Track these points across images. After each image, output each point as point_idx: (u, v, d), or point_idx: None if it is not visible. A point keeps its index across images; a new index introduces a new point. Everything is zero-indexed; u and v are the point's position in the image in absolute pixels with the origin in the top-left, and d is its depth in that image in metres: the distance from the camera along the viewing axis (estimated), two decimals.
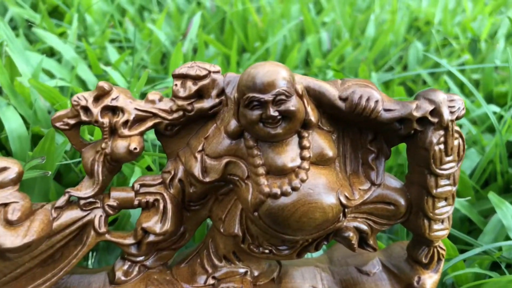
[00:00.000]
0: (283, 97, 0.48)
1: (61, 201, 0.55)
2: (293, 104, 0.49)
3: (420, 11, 1.88)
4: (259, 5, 1.72)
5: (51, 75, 1.08)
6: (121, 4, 1.63)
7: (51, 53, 1.27)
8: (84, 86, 1.09)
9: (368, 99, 0.50)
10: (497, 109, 1.08)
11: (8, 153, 0.79)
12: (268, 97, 0.48)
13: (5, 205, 0.50)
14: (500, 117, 1.06)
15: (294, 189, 0.50)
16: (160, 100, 0.55)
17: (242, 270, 0.59)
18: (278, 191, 0.50)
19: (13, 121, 0.80)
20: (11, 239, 0.49)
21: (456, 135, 0.52)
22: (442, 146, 0.52)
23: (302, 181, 0.50)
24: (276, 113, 0.48)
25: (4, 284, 0.54)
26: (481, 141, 0.97)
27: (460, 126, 1.05)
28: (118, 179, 0.82)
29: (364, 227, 0.56)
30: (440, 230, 0.56)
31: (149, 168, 0.82)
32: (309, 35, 1.47)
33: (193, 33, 1.31)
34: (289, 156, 0.51)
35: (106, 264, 0.71)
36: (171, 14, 1.65)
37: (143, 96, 1.06)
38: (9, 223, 0.50)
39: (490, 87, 1.23)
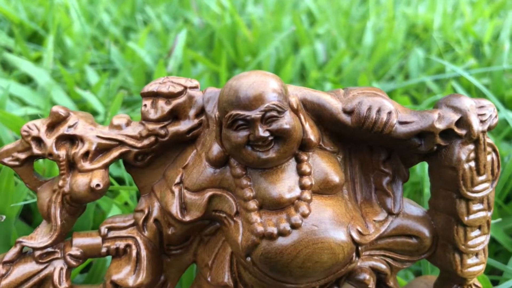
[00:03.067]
0: (274, 113, 0.40)
1: (11, 253, 0.46)
2: (287, 121, 0.41)
3: (417, 18, 1.82)
4: (249, 19, 1.65)
5: (24, 103, 0.99)
6: (103, 25, 1.56)
7: (28, 79, 1.19)
8: None
9: (379, 111, 0.42)
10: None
11: None
12: (255, 114, 0.40)
13: None
14: None
15: (294, 226, 0.42)
16: (128, 124, 0.47)
17: None
18: (275, 230, 0.42)
19: None
20: None
21: (489, 149, 0.44)
22: (472, 164, 0.44)
23: (304, 216, 0.42)
24: (267, 134, 0.40)
25: None
26: (500, 152, 0.88)
27: None
28: (96, 215, 0.73)
29: (382, 266, 0.48)
30: (475, 265, 0.48)
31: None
32: (303, 46, 1.39)
33: (179, 50, 1.22)
34: (286, 185, 0.43)
35: None
36: (156, 32, 1.58)
37: None
38: None
39: (500, 92, 1.15)
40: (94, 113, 1.01)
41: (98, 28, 1.56)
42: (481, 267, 0.48)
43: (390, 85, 1.27)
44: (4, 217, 0.53)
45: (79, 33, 1.45)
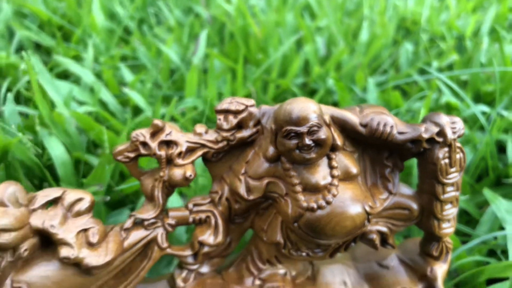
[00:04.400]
0: (315, 128, 0.56)
1: (128, 223, 0.64)
2: (323, 133, 0.57)
3: (407, 11, 1.95)
4: (254, 14, 1.78)
5: (74, 99, 1.15)
6: (123, 20, 1.67)
7: (64, 75, 1.34)
8: (106, 108, 1.17)
9: (384, 125, 0.60)
10: (485, 108, 1.19)
11: (55, 178, 0.88)
12: (303, 129, 0.56)
13: (85, 230, 0.60)
14: (488, 116, 1.16)
15: (328, 203, 0.58)
16: (206, 132, 0.64)
17: (282, 271, 0.70)
18: (315, 205, 0.58)
19: (56, 149, 0.88)
20: (95, 258, 0.59)
21: (458, 150, 0.61)
22: (447, 160, 0.60)
23: (334, 195, 0.58)
24: (311, 142, 0.56)
25: None
26: (474, 140, 1.07)
27: None
28: None
29: (384, 229, 0.65)
30: (448, 228, 0.65)
31: None
32: (306, 43, 1.55)
33: (201, 50, 1.38)
34: (321, 175, 0.59)
35: (156, 274, 0.80)
36: (171, 27, 1.71)
37: (163, 117, 1.14)
38: (91, 245, 0.59)
39: (477, 86, 1.32)
40: (138, 109, 1.17)
41: (118, 23, 1.68)
42: (452, 229, 0.65)
43: (382, 79, 1.45)
44: (108, 197, 0.72)
45: (103, 29, 1.58)
